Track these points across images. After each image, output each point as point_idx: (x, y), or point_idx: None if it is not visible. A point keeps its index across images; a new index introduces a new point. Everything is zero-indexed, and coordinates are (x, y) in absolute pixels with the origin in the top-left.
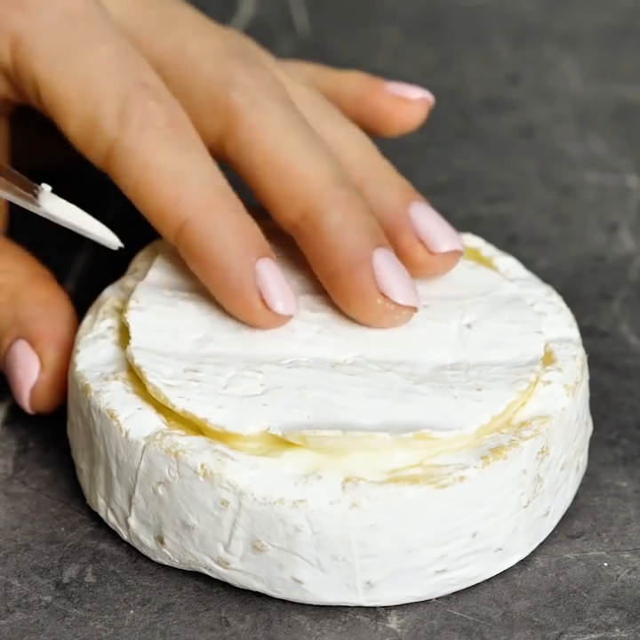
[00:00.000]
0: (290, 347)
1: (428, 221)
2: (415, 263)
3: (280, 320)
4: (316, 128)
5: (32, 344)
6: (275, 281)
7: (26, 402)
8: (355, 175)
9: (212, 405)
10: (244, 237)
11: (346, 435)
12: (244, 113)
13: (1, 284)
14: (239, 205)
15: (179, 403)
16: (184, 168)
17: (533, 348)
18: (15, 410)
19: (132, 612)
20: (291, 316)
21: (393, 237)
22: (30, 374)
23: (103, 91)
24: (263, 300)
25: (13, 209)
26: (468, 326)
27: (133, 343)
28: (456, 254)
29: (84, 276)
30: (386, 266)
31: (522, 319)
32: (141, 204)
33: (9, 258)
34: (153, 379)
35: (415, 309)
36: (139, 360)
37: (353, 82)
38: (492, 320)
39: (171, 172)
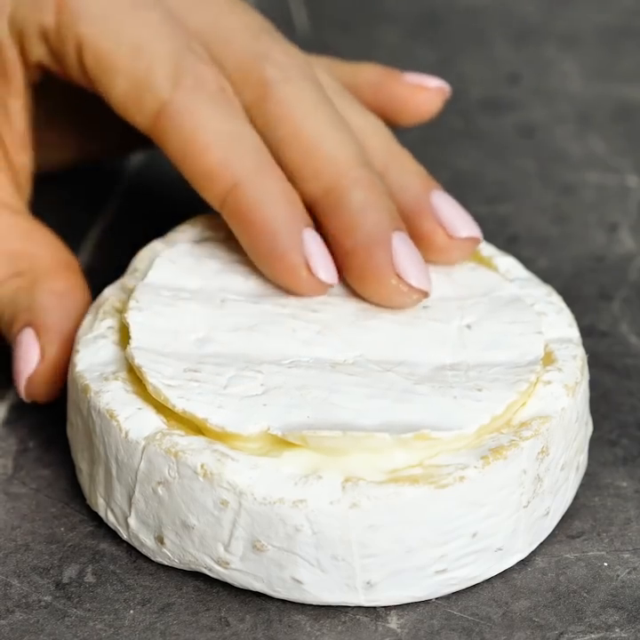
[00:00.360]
0: (290, 347)
1: (448, 208)
2: (434, 247)
3: (322, 288)
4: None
5: (38, 334)
6: (319, 249)
7: (22, 389)
8: (377, 161)
9: (212, 405)
10: (292, 205)
11: (346, 435)
12: (276, 87)
13: (24, 269)
14: (284, 175)
15: (179, 403)
16: (235, 131)
17: (533, 349)
18: (15, 410)
19: (131, 611)
20: (331, 285)
21: (413, 222)
22: (29, 363)
23: (156, 51)
24: (308, 267)
25: None
26: (468, 327)
27: (133, 343)
28: (474, 241)
29: (84, 275)
30: (403, 248)
31: (522, 319)
32: (190, 164)
33: (36, 242)
34: (153, 379)
35: (426, 294)
36: (139, 360)
37: (369, 72)
38: (491, 321)
39: (223, 134)
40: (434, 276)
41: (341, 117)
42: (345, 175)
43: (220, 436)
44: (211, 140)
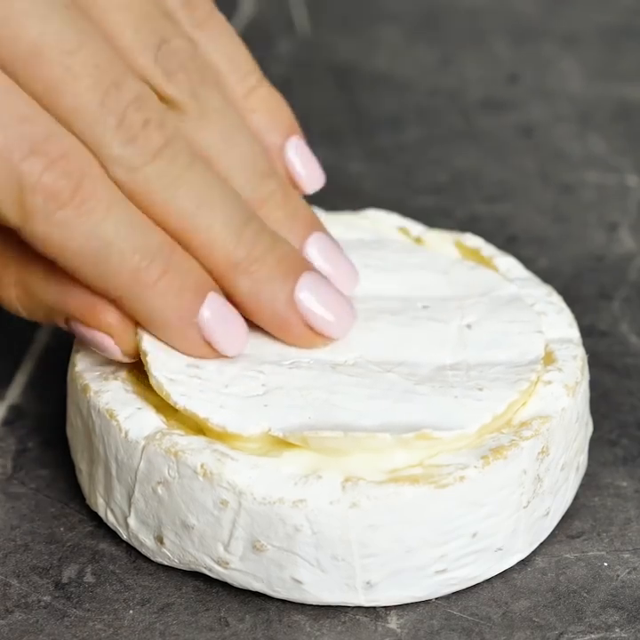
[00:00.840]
0: (291, 347)
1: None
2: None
3: (236, 354)
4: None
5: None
6: (217, 327)
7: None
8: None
9: (214, 404)
10: (178, 299)
11: (347, 436)
12: (126, 186)
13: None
14: (170, 257)
15: (180, 400)
16: (103, 244)
17: (534, 348)
18: (15, 410)
19: (131, 612)
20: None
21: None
22: (112, 352)
23: None
24: (214, 349)
25: None
26: (468, 327)
27: (141, 332)
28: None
29: None
30: (314, 308)
31: (521, 319)
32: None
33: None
34: (156, 371)
35: (352, 322)
36: (146, 345)
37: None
38: (491, 320)
39: (89, 256)
40: (431, 276)
41: (206, 178)
42: (224, 267)
43: (220, 435)
44: (75, 266)
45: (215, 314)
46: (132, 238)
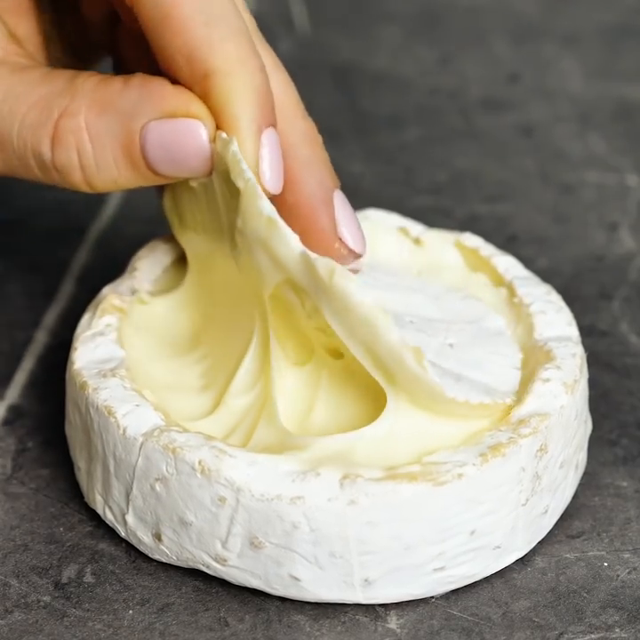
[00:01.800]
0: None
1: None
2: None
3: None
4: None
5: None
6: (268, 157)
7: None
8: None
9: None
10: (259, 104)
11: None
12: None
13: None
14: (262, 63)
15: None
16: (217, 12)
17: (509, 381)
18: (14, 410)
19: (130, 612)
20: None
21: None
22: (202, 141)
23: None
24: (258, 171)
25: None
26: (451, 346)
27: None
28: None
29: (84, 275)
30: (343, 211)
31: (503, 352)
32: (166, 40)
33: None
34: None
35: (360, 256)
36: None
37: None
38: (474, 346)
39: (204, 14)
40: (422, 299)
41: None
42: (290, 123)
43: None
44: (191, 19)
45: (270, 144)
46: (241, 23)
